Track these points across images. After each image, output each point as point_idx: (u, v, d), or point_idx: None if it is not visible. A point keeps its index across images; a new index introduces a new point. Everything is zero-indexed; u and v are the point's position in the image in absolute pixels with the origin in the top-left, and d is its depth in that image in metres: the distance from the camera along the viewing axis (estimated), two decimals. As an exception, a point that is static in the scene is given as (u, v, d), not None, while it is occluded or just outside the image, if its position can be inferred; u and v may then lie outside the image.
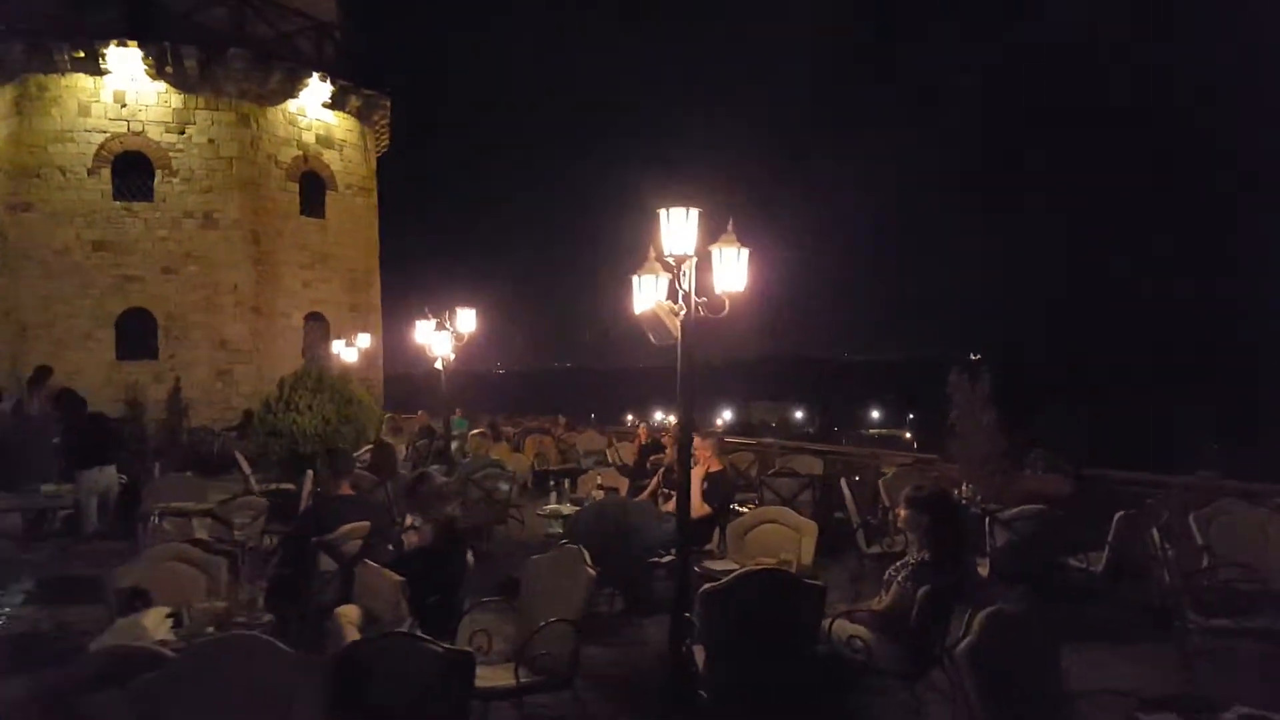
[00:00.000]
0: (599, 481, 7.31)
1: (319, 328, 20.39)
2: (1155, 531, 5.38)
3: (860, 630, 4.29)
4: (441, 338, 9.66)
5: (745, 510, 9.36)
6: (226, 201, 19.13)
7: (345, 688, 2.67)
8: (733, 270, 5.09)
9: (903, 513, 4.40)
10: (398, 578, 4.28)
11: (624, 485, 8.10)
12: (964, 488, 7.55)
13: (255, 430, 12.46)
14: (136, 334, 18.47)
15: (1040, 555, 6.17)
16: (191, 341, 18.77)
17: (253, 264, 19.42)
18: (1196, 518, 5.92)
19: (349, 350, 15.79)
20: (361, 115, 21.91)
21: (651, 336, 5.22)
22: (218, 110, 19.15)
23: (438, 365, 9.89)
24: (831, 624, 4.22)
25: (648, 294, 5.18)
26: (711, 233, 5.16)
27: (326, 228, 21.00)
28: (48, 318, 17.98)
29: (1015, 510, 6.16)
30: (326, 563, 5.04)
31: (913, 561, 4.23)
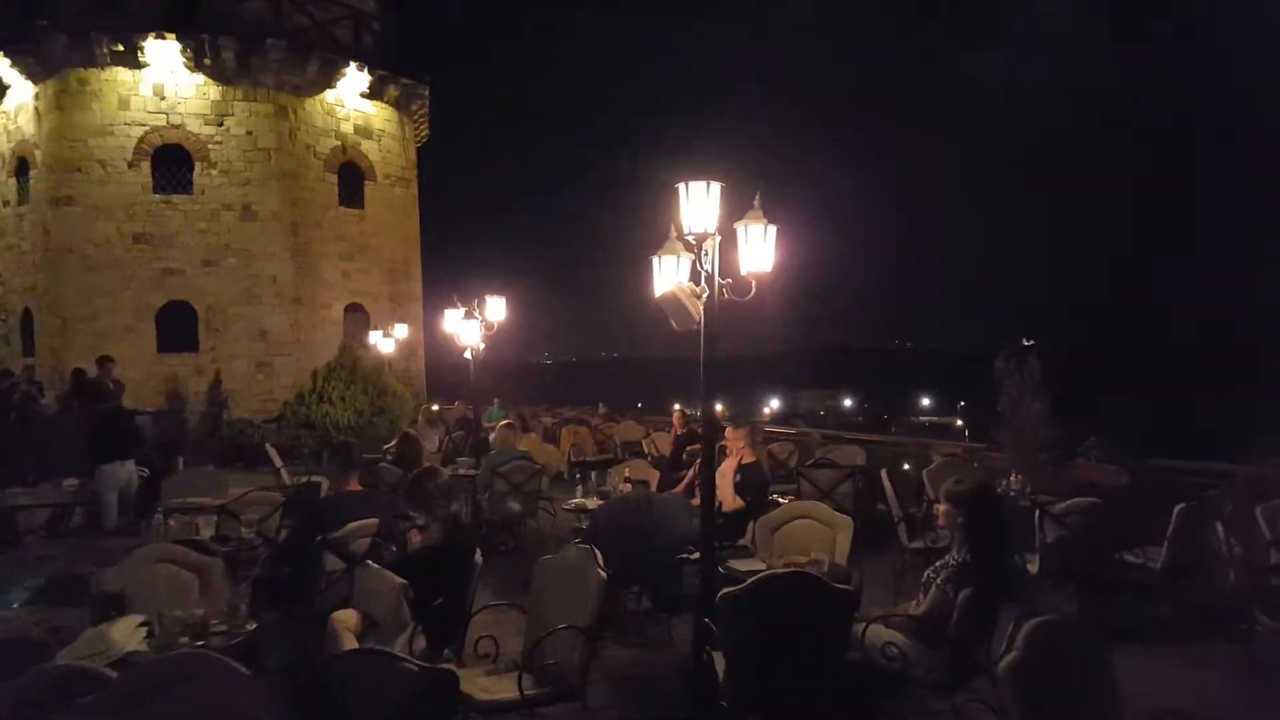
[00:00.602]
0: (626, 474, 7.03)
1: (359, 319, 20.43)
2: (1219, 525, 4.92)
3: (896, 636, 3.96)
4: (470, 326, 9.44)
5: (784, 502, 9.08)
6: (265, 193, 19.22)
7: (312, 711, 2.44)
8: (759, 250, 4.75)
9: (942, 508, 4.05)
10: (399, 580, 4.06)
11: (655, 478, 7.81)
12: (1013, 478, 7.12)
13: (288, 421, 12.45)
14: (177, 327, 18.66)
15: (1094, 552, 5.74)
16: (232, 334, 18.93)
17: (291, 255, 19.50)
18: (1265, 510, 5.44)
19: (386, 341, 15.70)
20: (400, 105, 21.86)
21: (673, 322, 4.90)
22: (255, 101, 19.22)
23: (467, 355, 9.69)
24: (865, 629, 3.89)
25: (668, 275, 4.87)
26: (738, 211, 4.84)
27: (365, 218, 21.01)
28: (89, 311, 18.24)
29: (1067, 504, 5.73)
30: (335, 563, 4.84)
31: (953, 562, 3.87)
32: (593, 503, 6.60)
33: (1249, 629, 4.61)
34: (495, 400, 16.75)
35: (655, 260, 4.96)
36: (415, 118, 22.95)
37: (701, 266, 4.74)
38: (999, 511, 4.12)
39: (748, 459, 6.77)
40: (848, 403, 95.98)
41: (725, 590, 3.51)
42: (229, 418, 17.77)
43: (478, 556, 4.42)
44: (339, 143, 20.49)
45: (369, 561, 4.19)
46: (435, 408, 12.57)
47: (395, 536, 4.78)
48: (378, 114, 21.31)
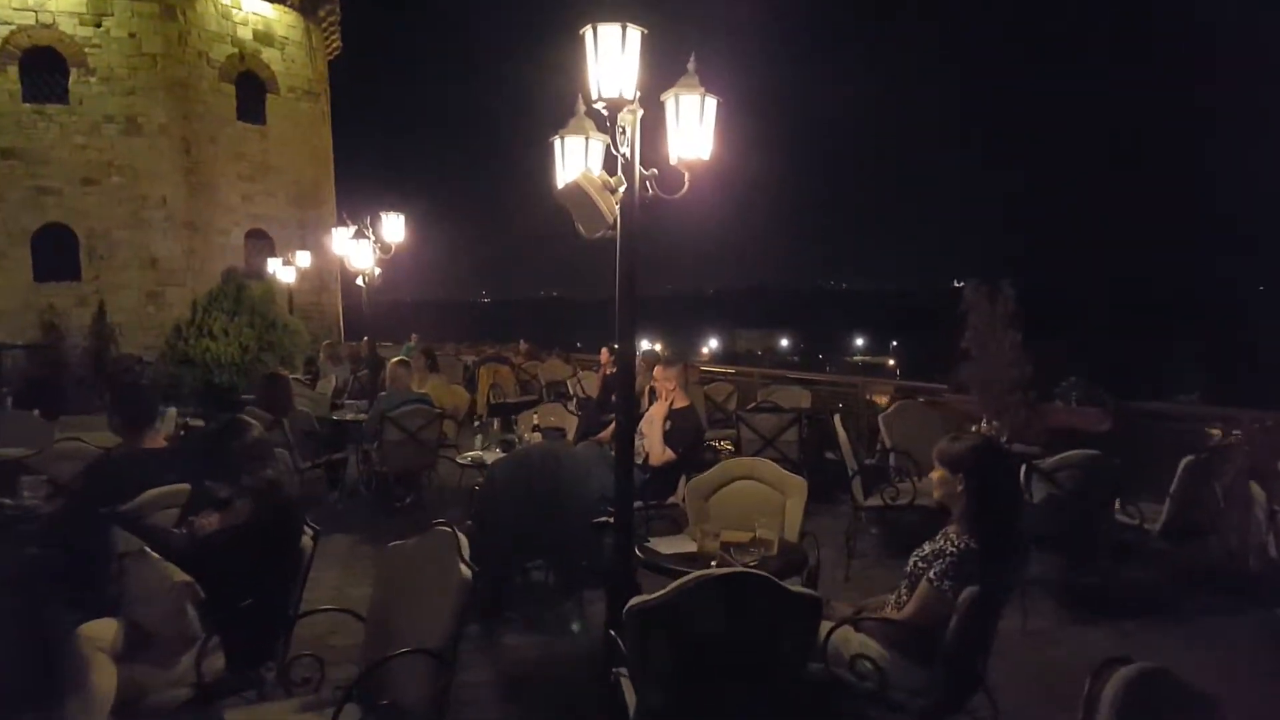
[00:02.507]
0: (535, 421, 5.89)
1: (263, 246, 18.66)
2: (1258, 487, 4.02)
3: (870, 645, 2.94)
4: (362, 248, 8.10)
5: (721, 450, 8.06)
6: (152, 104, 17.17)
7: None
8: (694, 131, 3.58)
9: (935, 475, 3.00)
10: (181, 577, 2.88)
11: (572, 424, 6.68)
12: (983, 425, 6.19)
13: (165, 358, 10.96)
14: (55, 253, 16.72)
15: (1092, 514, 4.85)
16: (118, 261, 17.04)
17: (184, 175, 17.57)
18: (1285, 464, 4.58)
19: (286, 269, 14.16)
20: (305, 10, 19.76)
21: (579, 225, 3.71)
22: (139, 0, 17.02)
23: (359, 282, 8.38)
24: (829, 635, 2.86)
25: (574, 162, 3.66)
26: (668, 80, 3.64)
27: (268, 135, 19.07)
28: (-50, 235, 16.20)
29: (1058, 457, 4.80)
30: (131, 543, 3.61)
31: (952, 550, 2.84)
32: (492, 455, 5.46)
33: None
34: (413, 336, 15.39)
35: (557, 142, 3.75)
36: (324, 26, 20.86)
37: (618, 150, 3.56)
38: (1012, 479, 3.10)
39: (680, 403, 5.69)
40: (785, 342, 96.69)
41: (634, 603, 2.41)
42: (115, 353, 16.04)
43: (307, 539, 3.24)
44: (236, 50, 18.41)
45: (146, 550, 2.97)
46: (327, 342, 11.16)
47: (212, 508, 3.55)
48: (280, 19, 19.20)
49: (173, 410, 6.75)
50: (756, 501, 3.98)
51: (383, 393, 6.98)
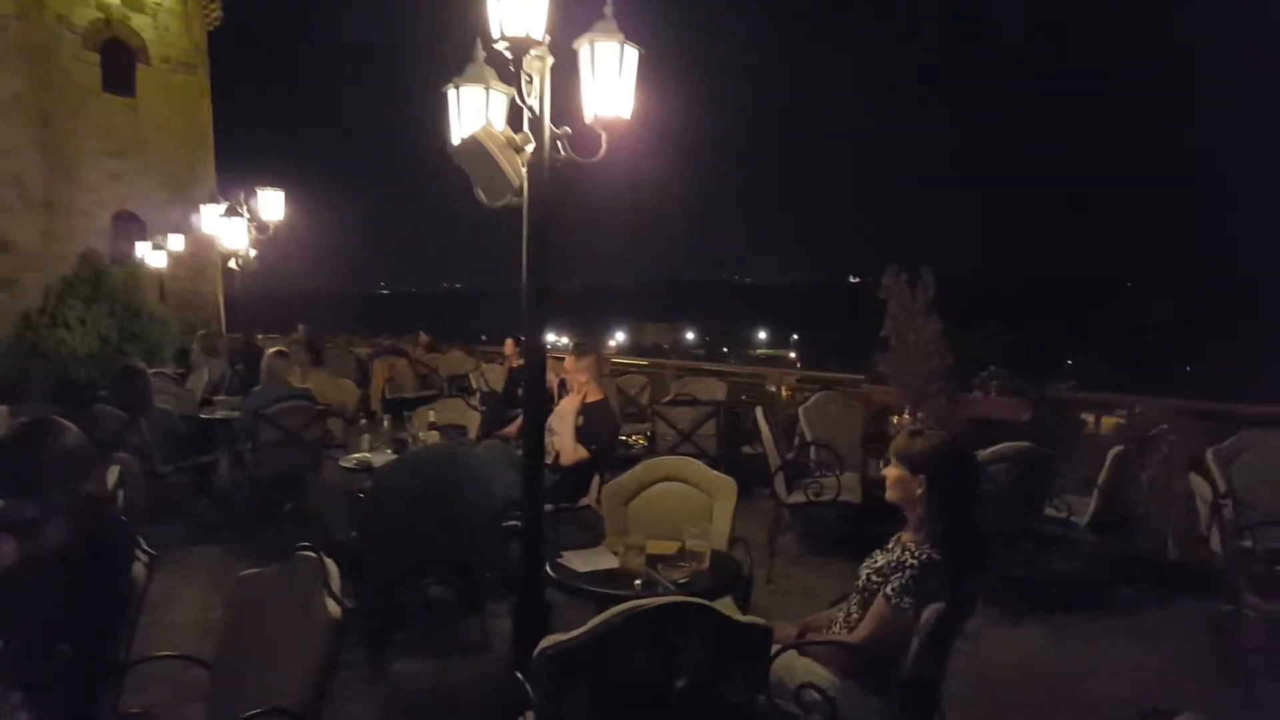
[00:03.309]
0: (432, 417, 5.31)
1: (133, 229, 17.17)
2: (1199, 479, 3.85)
3: (819, 673, 2.55)
4: (234, 226, 7.30)
5: (637, 445, 7.64)
6: (3, 72, 15.53)
7: None
8: (612, 85, 3.13)
9: (892, 475, 2.63)
10: (-42, 624, 2.24)
11: (474, 421, 6.13)
12: (905, 416, 5.96)
13: (11, 351, 9.78)
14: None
15: (1025, 509, 4.64)
16: (-36, 244, 15.37)
17: (41, 150, 15.98)
18: (1217, 454, 4.46)
19: (156, 254, 12.96)
20: (180, -25, 18.29)
21: (479, 191, 3.20)
22: (-15, -45, 15.38)
23: (232, 264, 7.57)
24: (771, 661, 2.45)
25: (471, 117, 3.14)
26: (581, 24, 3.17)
27: (138, 109, 17.57)
28: None
29: (991, 450, 4.56)
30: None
31: (912, 562, 2.48)
32: (382, 457, 4.86)
33: (1235, 611, 3.53)
34: (300, 328, 14.40)
35: (451, 93, 3.22)
36: (203, -8, 19.37)
37: (524, 103, 3.07)
38: (975, 480, 2.76)
39: (593, 396, 5.21)
40: (690, 336, 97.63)
41: (545, 644, 1.94)
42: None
43: (140, 567, 2.63)
44: (101, 15, 16.86)
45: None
46: (202, 333, 10.19)
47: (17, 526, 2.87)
48: (152, -18, 17.71)
49: (3, 409, 5.86)
50: (682, 506, 3.56)
51: (256, 388, 6.25)
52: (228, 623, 2.42)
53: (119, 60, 17.26)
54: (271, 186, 7.95)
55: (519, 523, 4.56)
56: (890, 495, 2.65)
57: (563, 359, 5.90)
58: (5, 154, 15.57)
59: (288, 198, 8.25)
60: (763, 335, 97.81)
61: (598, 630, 1.94)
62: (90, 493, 2.57)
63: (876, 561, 2.68)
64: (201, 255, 17.68)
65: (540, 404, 3.19)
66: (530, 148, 3.06)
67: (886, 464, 2.67)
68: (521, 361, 9.51)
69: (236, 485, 6.59)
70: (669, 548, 3.06)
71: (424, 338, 12.91)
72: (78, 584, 2.48)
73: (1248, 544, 3.55)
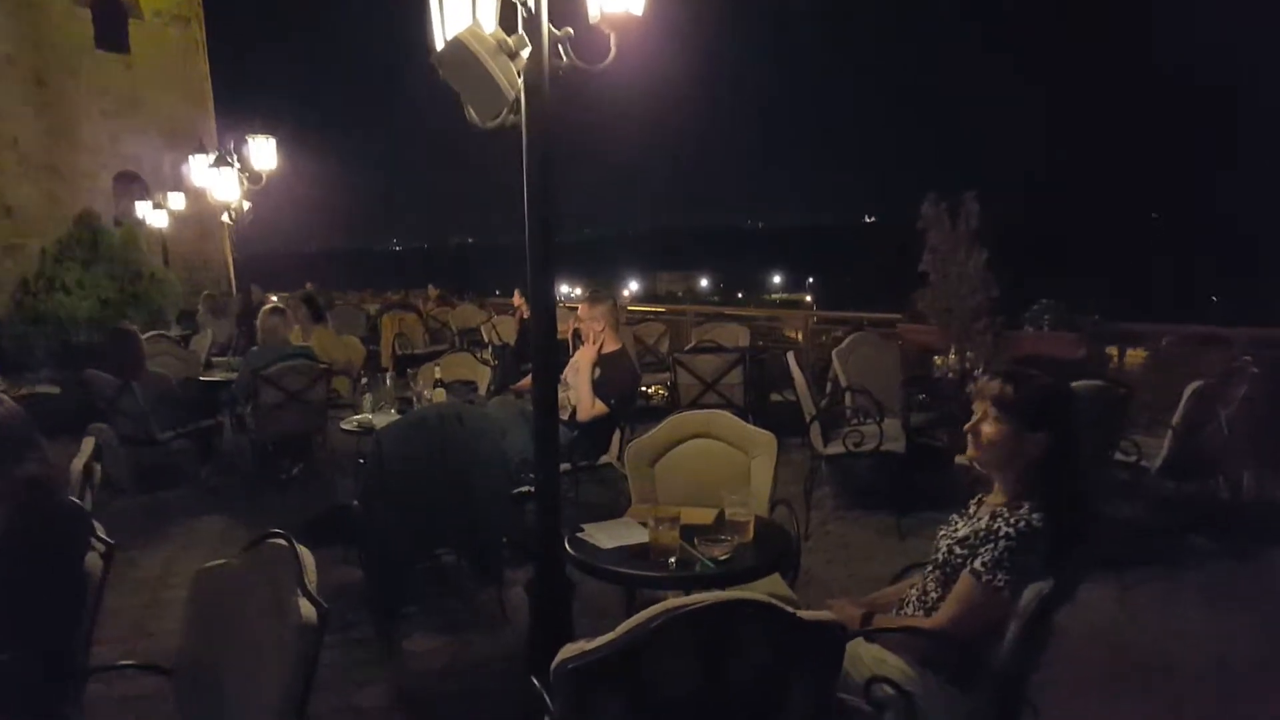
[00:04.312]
0: (437, 374, 4.90)
1: (136, 190, 16.75)
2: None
3: (892, 664, 2.16)
4: (226, 178, 6.86)
5: (656, 396, 7.24)
6: (-9, 30, 14.98)
7: None
8: (622, -24, 2.64)
9: (992, 430, 2.17)
10: None
11: (484, 376, 5.73)
12: (951, 356, 5.49)
13: (13, 317, 9.48)
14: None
15: (1099, 458, 4.19)
16: (-38, 211, 15.00)
17: (37, 112, 15.48)
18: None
19: (157, 214, 12.57)
20: (167, -77, 17.54)
21: (469, 109, 2.73)
22: (-34, -91, 14.72)
23: (224, 218, 7.16)
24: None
25: (456, 16, 2.66)
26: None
27: (134, 66, 16.99)
28: None
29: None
30: None
31: (1008, 530, 2.06)
32: (384, 418, 4.48)
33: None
34: (308, 284, 14.04)
35: (434, -9, 2.73)
36: (192, -59, 18.61)
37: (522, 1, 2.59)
38: (1083, 433, 2.31)
39: (610, 346, 4.79)
40: (704, 283, 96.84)
41: (566, 655, 1.54)
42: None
43: (94, 558, 2.26)
44: (88, -33, 16.20)
45: None
46: (207, 294, 9.86)
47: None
48: (140, -70, 16.99)
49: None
50: (716, 466, 3.15)
51: (254, 348, 5.87)
52: (190, 625, 2.05)
53: (111, 15, 16.64)
54: (264, 134, 7.48)
55: (528, 490, 4.25)
56: (981, 457, 2.21)
57: (576, 308, 5.48)
58: (3, 118, 15.11)
59: (295, 152, 7.78)
60: (778, 280, 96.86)
61: (628, 638, 1.54)
62: (31, 474, 2.19)
63: (957, 530, 2.26)
64: (207, 215, 17.22)
65: (550, 354, 2.77)
66: (526, 52, 2.59)
67: (977, 418, 2.21)
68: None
69: (240, 450, 6.27)
70: (704, 516, 2.66)
71: (433, 291, 12.51)
72: (17, 580, 2.12)
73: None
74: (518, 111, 2.71)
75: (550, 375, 2.77)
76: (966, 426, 2.20)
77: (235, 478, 6.19)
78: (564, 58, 2.68)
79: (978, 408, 2.20)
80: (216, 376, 6.70)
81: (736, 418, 3.27)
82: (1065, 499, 2.09)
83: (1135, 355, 6.05)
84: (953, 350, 5.44)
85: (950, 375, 5.34)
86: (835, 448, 5.02)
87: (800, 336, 9.42)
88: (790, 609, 1.67)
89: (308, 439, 6.08)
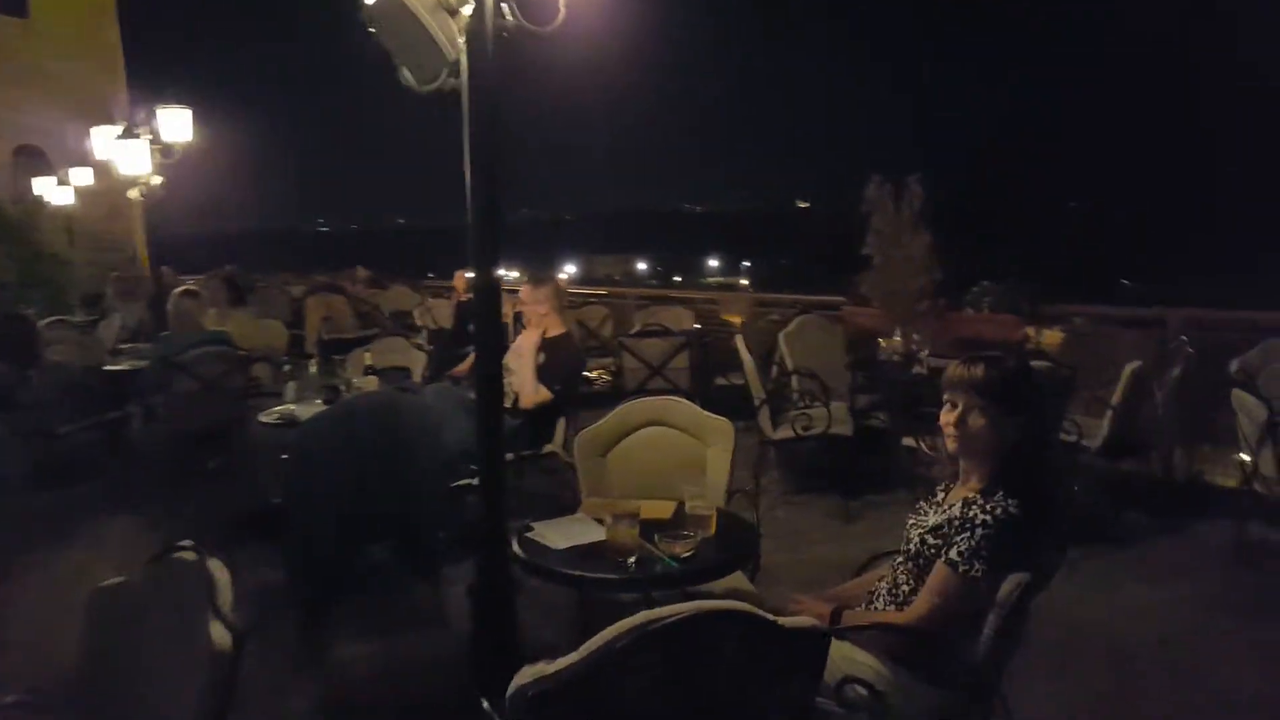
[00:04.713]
0: (368, 361, 4.62)
1: (40, 165, 15.73)
2: (1245, 395, 3.40)
3: (864, 662, 2.05)
4: (134, 150, 6.40)
5: (600, 381, 7.07)
6: None
7: None
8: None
9: (973, 419, 2.05)
10: None
11: (419, 362, 5.47)
12: (895, 339, 5.45)
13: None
14: None
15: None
16: None
17: (-77, 80, 14.43)
18: (1243, 364, 4.04)
19: (62, 191, 11.78)
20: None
21: (404, 72, 2.50)
22: None
23: (133, 194, 6.70)
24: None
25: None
26: None
27: (32, 31, 15.96)
28: None
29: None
30: None
31: (984, 519, 1.96)
32: (309, 408, 4.20)
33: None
34: (227, 267, 13.40)
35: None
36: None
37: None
38: (1046, 412, 2.24)
39: (554, 330, 4.61)
40: (641, 266, 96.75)
41: (524, 680, 1.37)
42: None
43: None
44: (-22, -78, 15.11)
45: None
46: (116, 275, 9.28)
47: None
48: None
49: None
50: (670, 455, 3.00)
51: (165, 334, 5.49)
52: (86, 652, 1.80)
53: (6, -26, 15.59)
54: (178, 105, 7.01)
55: (474, 479, 4.04)
56: (964, 448, 2.09)
57: (516, 291, 5.26)
58: (-118, 84, 14.02)
59: (216, 125, 7.30)
60: (714, 263, 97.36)
61: (595, 658, 1.37)
62: None
63: (927, 519, 2.15)
64: (117, 192, 16.33)
65: (495, 339, 2.58)
66: (468, 9, 2.37)
67: (951, 407, 2.09)
68: (471, 295, 8.83)
69: (151, 443, 5.87)
70: (662, 510, 2.50)
71: (362, 272, 12.06)
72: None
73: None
74: (458, 75, 2.49)
75: (495, 361, 2.59)
76: (948, 420, 2.09)
77: (148, 474, 5.80)
78: (508, 16, 2.46)
79: (956, 399, 2.09)
80: (124, 365, 6.26)
81: (692, 404, 3.12)
82: (1041, 484, 2.00)
83: (1053, 336, 6.13)
84: (897, 333, 5.40)
85: (895, 358, 5.31)
86: (784, 431, 4.94)
87: (739, 320, 9.37)
88: (770, 618, 1.52)
89: (226, 431, 5.72)
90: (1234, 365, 3.97)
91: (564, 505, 4.20)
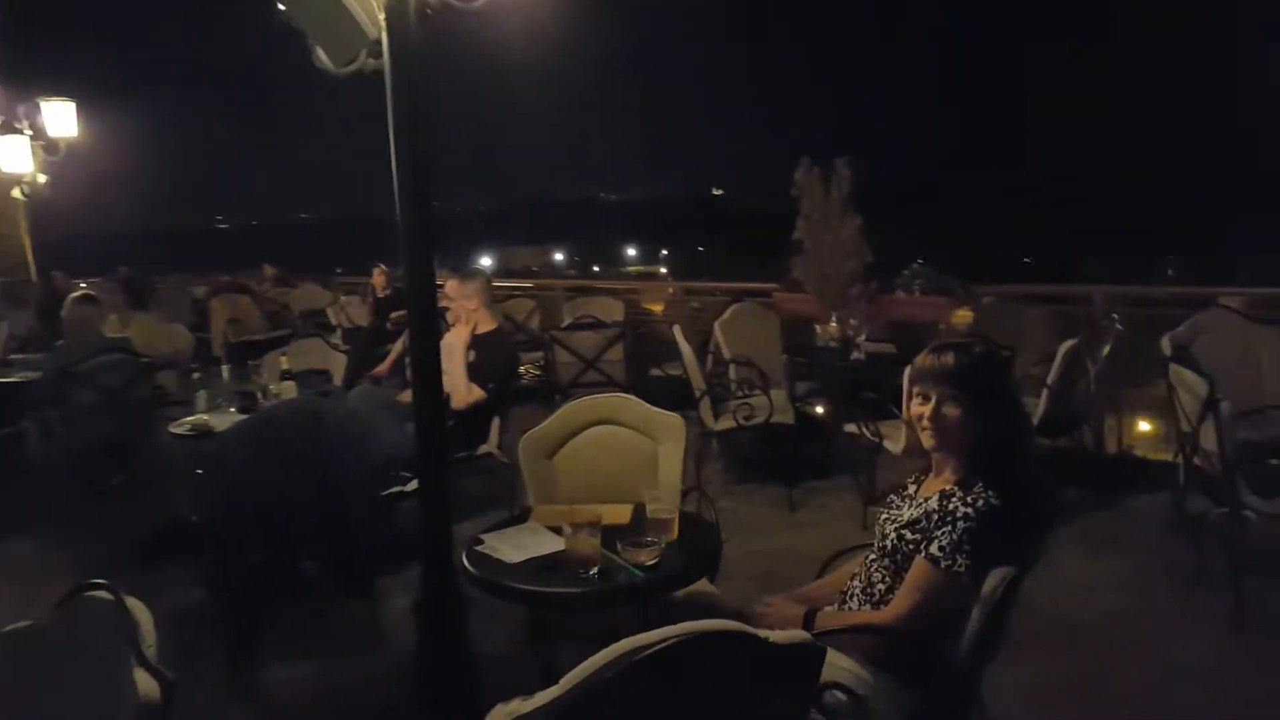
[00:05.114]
0: (284, 365, 4.31)
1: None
2: (1183, 370, 3.45)
3: (842, 666, 1.94)
4: (15, 147, 5.90)
5: (530, 376, 6.87)
6: None
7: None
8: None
9: (951, 410, 1.96)
10: None
11: (339, 364, 5.18)
12: (832, 325, 5.43)
13: None
14: None
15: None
16: None
17: None
18: (1174, 339, 4.13)
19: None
20: None
21: (320, 53, 2.29)
22: None
23: (16, 193, 6.19)
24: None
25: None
26: None
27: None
28: None
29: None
30: None
31: (966, 511, 1.88)
32: (223, 418, 3.91)
33: (1234, 514, 3.18)
34: (122, 269, 12.64)
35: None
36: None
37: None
38: (1019, 399, 2.18)
39: (485, 326, 4.41)
40: (559, 256, 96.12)
41: (499, 718, 1.21)
42: None
43: None
44: None
45: None
46: (20, 283, 8.63)
47: None
48: None
49: None
50: (620, 455, 2.86)
51: (60, 343, 5.06)
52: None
53: None
54: (60, 98, 6.50)
55: (405, 486, 3.84)
56: (940, 442, 2.01)
57: (442, 286, 5.03)
58: None
59: (104, 119, 6.79)
60: (632, 252, 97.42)
61: (578, 693, 1.22)
62: None
63: (901, 513, 2.07)
64: (-3, 192, 15.27)
65: (432, 338, 2.39)
66: (391, -20, 2.17)
67: (922, 400, 2.01)
68: (390, 291, 8.51)
69: (49, 461, 5.42)
70: (620, 515, 2.37)
71: (269, 270, 11.52)
72: None
73: (1251, 436, 3.19)
74: (378, 55, 2.29)
75: (433, 361, 2.40)
76: (922, 413, 2.01)
77: (46, 495, 5.35)
78: (435, -11, 2.27)
79: (928, 391, 2.01)
80: (15, 377, 5.77)
81: (640, 401, 2.99)
82: (1020, 472, 1.94)
83: (963, 315, 6.24)
84: (834, 318, 5.38)
85: (833, 344, 5.28)
86: (726, 422, 4.86)
87: (660, 309, 9.33)
88: (762, 634, 1.40)
89: (131, 445, 5.33)
90: (1165, 341, 4.05)
91: (503, 507, 4.04)
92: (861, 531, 4.48)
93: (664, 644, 1.28)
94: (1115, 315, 4.79)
